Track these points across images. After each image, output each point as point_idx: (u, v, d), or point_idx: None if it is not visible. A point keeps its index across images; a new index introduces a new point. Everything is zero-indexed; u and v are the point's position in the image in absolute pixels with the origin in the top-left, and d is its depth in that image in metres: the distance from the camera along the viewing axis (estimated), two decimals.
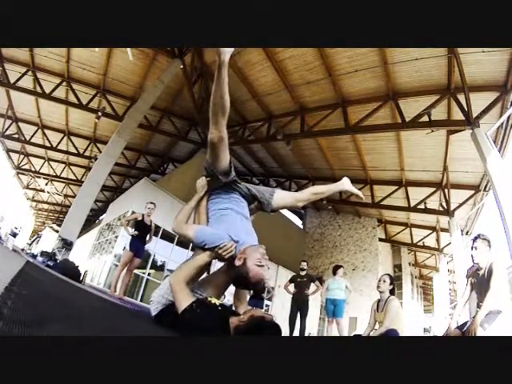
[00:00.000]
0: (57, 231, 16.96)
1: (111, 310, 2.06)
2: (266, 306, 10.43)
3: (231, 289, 1.76)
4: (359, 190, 2.14)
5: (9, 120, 11.24)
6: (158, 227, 7.30)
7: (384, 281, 3.20)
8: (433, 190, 9.48)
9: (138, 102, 8.30)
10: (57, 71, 9.14)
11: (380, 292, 3.22)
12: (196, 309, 1.31)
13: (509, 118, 6.23)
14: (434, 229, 11.98)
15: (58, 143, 12.38)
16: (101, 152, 10.54)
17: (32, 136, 11.94)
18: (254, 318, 1.24)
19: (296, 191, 7.09)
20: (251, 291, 5.52)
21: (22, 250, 9.03)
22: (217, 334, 1.22)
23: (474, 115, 6.00)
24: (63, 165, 14.68)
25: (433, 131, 6.84)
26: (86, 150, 12.81)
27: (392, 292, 3.19)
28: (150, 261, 8.85)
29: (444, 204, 9.39)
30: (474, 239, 2.75)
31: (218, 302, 1.39)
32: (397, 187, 9.96)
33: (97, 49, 7.75)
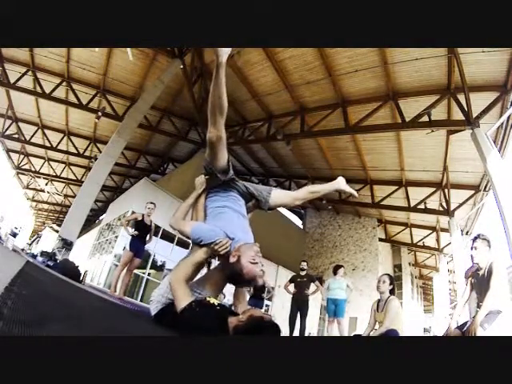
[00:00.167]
0: (57, 231, 16.97)
1: (111, 310, 2.06)
2: (266, 306, 10.43)
3: (231, 289, 1.77)
4: (359, 190, 2.15)
5: (9, 120, 11.24)
6: (158, 227, 7.31)
7: (384, 281, 3.20)
8: (433, 190, 9.47)
9: (138, 102, 8.30)
10: (57, 71, 9.14)
11: (380, 292, 3.23)
12: (195, 308, 1.31)
13: (509, 117, 6.23)
14: (433, 229, 11.97)
15: (58, 143, 12.39)
16: (101, 152, 10.54)
17: (32, 136, 11.94)
18: (253, 317, 1.24)
19: None
20: (251, 291, 5.56)
21: (22, 249, 9.03)
22: (216, 333, 1.22)
23: (474, 115, 6.00)
24: (63, 165, 14.68)
25: (433, 131, 6.84)
26: (86, 149, 12.82)
27: (392, 292, 3.19)
28: (150, 261, 8.86)
29: (444, 204, 9.39)
30: (474, 239, 2.75)
31: (216, 302, 1.39)
32: (397, 187, 9.94)
33: (97, 49, 7.75)
